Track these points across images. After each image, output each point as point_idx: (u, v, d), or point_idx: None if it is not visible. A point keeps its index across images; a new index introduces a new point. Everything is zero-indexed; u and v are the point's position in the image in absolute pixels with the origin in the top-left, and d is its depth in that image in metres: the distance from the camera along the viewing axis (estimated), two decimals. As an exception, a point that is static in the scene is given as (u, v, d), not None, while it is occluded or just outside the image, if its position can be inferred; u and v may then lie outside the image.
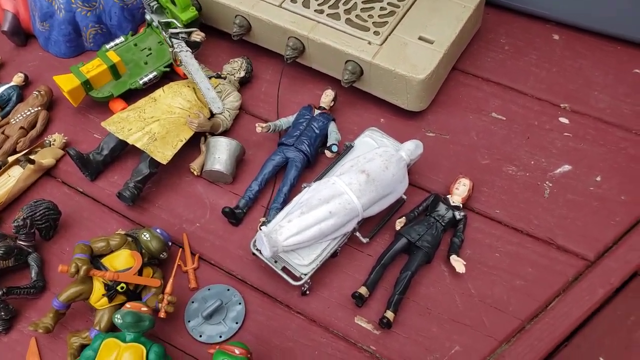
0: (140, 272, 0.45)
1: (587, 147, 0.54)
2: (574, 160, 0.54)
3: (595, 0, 0.57)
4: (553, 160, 0.54)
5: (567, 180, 0.52)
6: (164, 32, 0.54)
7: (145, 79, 0.57)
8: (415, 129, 0.56)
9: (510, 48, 0.62)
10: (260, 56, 0.62)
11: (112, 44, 0.59)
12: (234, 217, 0.50)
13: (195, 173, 0.53)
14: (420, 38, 0.54)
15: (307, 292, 0.47)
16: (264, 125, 0.52)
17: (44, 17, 0.60)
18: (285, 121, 0.54)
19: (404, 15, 0.56)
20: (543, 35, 0.62)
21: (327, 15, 0.56)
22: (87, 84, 0.56)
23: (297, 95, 0.59)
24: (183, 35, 0.54)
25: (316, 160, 0.54)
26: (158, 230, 0.47)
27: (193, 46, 0.54)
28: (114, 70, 0.56)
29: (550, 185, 0.52)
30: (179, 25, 0.54)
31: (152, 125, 0.51)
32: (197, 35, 0.54)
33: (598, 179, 0.52)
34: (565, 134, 0.55)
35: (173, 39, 0.53)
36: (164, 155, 0.50)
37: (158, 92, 0.54)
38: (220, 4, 0.58)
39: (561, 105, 0.57)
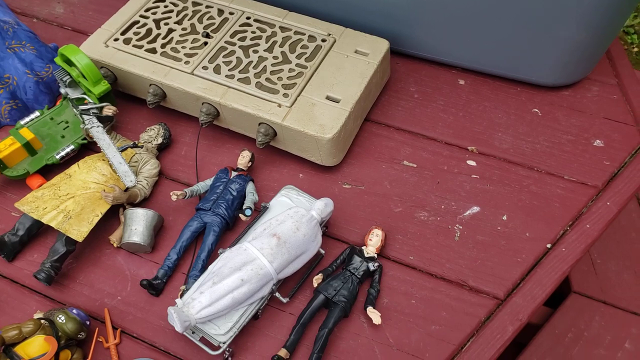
0: (57, 356, 0.45)
1: (493, 187, 0.58)
2: (482, 202, 0.57)
3: (493, 48, 0.61)
4: (462, 203, 0.57)
5: (476, 221, 0.55)
6: (74, 109, 0.55)
7: (62, 153, 0.57)
8: (333, 181, 0.59)
9: (419, 96, 0.65)
10: (179, 120, 0.63)
11: (27, 119, 0.59)
12: (153, 288, 0.50)
13: (115, 245, 0.53)
14: (327, 97, 0.56)
15: (230, 359, 0.48)
16: (179, 192, 0.53)
17: (-44, 96, 0.60)
18: (203, 185, 0.56)
19: (312, 76, 0.58)
20: (450, 81, 0.66)
21: (237, 80, 0.58)
22: (0, 164, 0.56)
23: (216, 157, 0.61)
24: (94, 111, 0.54)
25: (236, 223, 0.55)
26: (74, 311, 0.47)
27: (105, 120, 0.55)
28: (28, 147, 0.57)
29: (461, 227, 0.55)
30: (90, 101, 0.55)
31: (67, 203, 0.51)
32: (109, 110, 0.55)
33: (504, 217, 0.55)
34: (473, 176, 0.58)
35: (84, 115, 0.54)
36: (79, 232, 0.50)
37: (73, 168, 0.54)
38: (133, 74, 0.59)
39: (468, 148, 0.60)
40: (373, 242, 0.52)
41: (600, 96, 0.64)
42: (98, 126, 0.54)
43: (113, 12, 0.65)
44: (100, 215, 0.51)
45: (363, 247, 0.52)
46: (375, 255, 0.52)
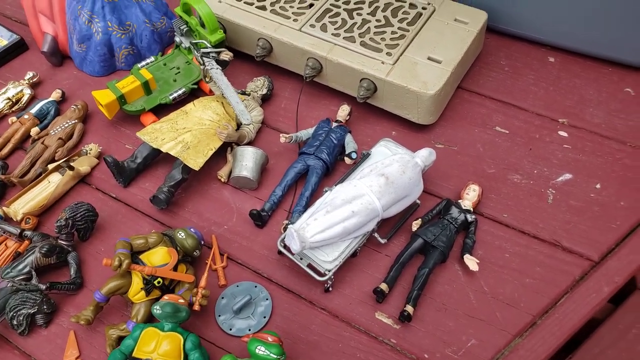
0: (175, 268, 0.48)
1: (585, 158, 0.59)
2: (574, 170, 0.58)
3: (585, 25, 0.63)
4: (555, 169, 0.58)
5: (569, 187, 0.56)
6: (195, 52, 0.59)
7: (175, 95, 0.61)
8: (425, 141, 0.61)
9: (509, 69, 0.67)
10: (280, 76, 0.66)
11: (143, 63, 0.64)
12: (260, 219, 0.53)
13: (222, 180, 0.57)
14: (429, 58, 0.59)
15: (330, 288, 0.50)
16: (287, 136, 0.56)
17: (82, 39, 0.65)
18: (305, 133, 0.59)
19: (413, 38, 0.61)
20: (539, 58, 0.68)
21: (343, 38, 0.61)
22: (122, 99, 0.60)
23: (313, 111, 0.64)
24: (213, 55, 0.58)
25: (334, 169, 0.58)
26: (192, 230, 0.50)
27: (222, 64, 0.59)
28: (146, 86, 0.61)
29: (554, 192, 0.56)
30: (209, 46, 0.59)
31: (185, 135, 0.55)
32: (226, 55, 0.59)
33: (598, 186, 0.56)
34: (565, 145, 0.60)
35: (204, 58, 0.58)
36: (196, 162, 0.53)
37: (189, 106, 0.58)
38: (244, 27, 0.63)
39: (559, 120, 0.62)
40: (470, 197, 0.54)
41: (695, 83, 0.64)
42: (217, 68, 0.58)
43: None
44: (215, 150, 0.55)
45: (459, 201, 0.54)
46: (472, 209, 0.53)
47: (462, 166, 0.58)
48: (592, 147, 0.59)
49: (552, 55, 0.68)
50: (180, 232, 0.49)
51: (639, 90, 0.63)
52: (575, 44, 0.66)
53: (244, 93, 0.61)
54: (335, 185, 0.52)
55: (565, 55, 0.68)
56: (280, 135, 0.56)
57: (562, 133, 0.60)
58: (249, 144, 0.60)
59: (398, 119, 0.61)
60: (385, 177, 0.49)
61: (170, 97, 0.61)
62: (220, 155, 0.58)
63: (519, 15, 0.66)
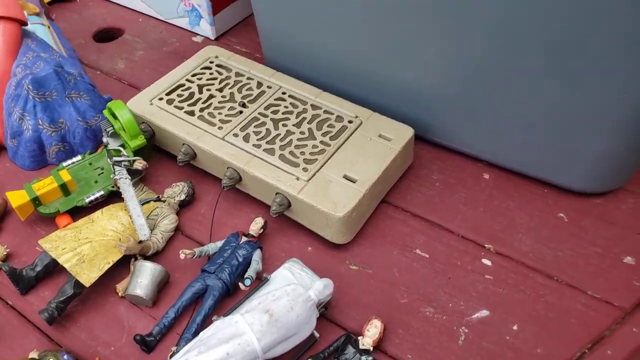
0: (39, 400, 0.46)
1: (507, 292, 0.55)
2: (492, 306, 0.54)
3: (519, 145, 0.60)
4: (472, 304, 0.54)
5: (484, 326, 0.52)
6: (109, 159, 0.59)
7: (92, 198, 0.61)
8: (340, 260, 0.58)
9: (440, 185, 0.64)
10: (205, 179, 0.66)
11: (69, 161, 0.64)
12: (145, 344, 0.50)
13: (119, 294, 0.55)
14: (345, 176, 0.57)
15: None
16: (187, 252, 0.54)
17: (13, 135, 0.66)
18: (213, 247, 0.57)
19: (333, 154, 0.59)
20: (474, 174, 0.65)
21: (263, 150, 0.60)
22: (36, 200, 0.60)
23: (233, 219, 0.62)
24: (126, 163, 0.58)
25: (237, 289, 0.55)
26: (65, 357, 0.48)
27: (134, 173, 0.59)
28: (64, 188, 0.61)
29: (467, 331, 0.52)
30: (125, 154, 0.59)
31: (84, 247, 0.54)
32: (139, 164, 0.58)
33: (515, 327, 0.52)
34: (487, 276, 0.56)
35: (116, 166, 0.58)
36: (89, 277, 0.52)
37: (97, 214, 0.58)
38: (170, 132, 0.63)
39: (485, 245, 0.58)
40: (370, 334, 0.50)
41: (635, 209, 0.60)
42: (126, 178, 0.57)
43: (166, 73, 0.71)
44: (112, 263, 0.53)
45: (359, 337, 0.50)
46: (371, 348, 0.50)
47: (374, 293, 0.55)
48: (515, 279, 0.55)
49: (487, 172, 0.65)
50: (49, 359, 0.47)
51: (572, 216, 0.60)
52: (510, 164, 0.64)
53: (159, 199, 0.60)
54: (224, 315, 0.49)
55: (501, 172, 0.65)
56: (180, 251, 0.54)
57: (486, 261, 0.57)
58: (157, 254, 0.58)
59: (316, 234, 0.59)
60: (269, 314, 0.46)
61: (87, 200, 0.61)
62: (124, 265, 0.57)
63: (448, 130, 0.65)
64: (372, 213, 0.61)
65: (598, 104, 0.51)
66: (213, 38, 0.89)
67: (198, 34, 0.90)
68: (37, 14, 0.80)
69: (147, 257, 0.57)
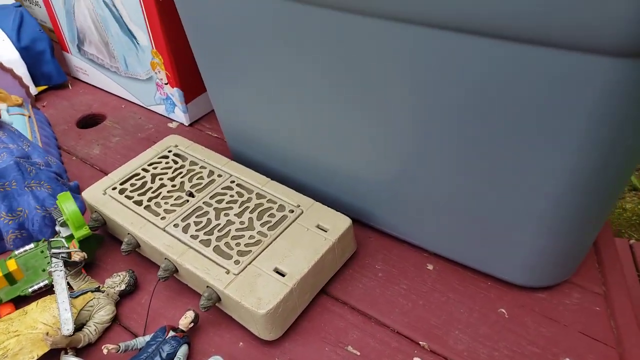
0: None
1: (438, 394, 0.52)
2: (421, 410, 0.51)
3: (459, 238, 0.60)
4: (399, 407, 0.52)
5: None
6: (48, 251, 0.61)
7: (35, 287, 0.62)
8: (269, 357, 0.57)
9: (383, 275, 0.63)
10: (150, 268, 0.67)
11: (21, 249, 0.66)
12: None
13: (44, 389, 0.55)
14: (275, 270, 0.57)
15: None
16: (111, 347, 0.54)
17: (-26, 222, 0.69)
18: (142, 340, 0.56)
19: (268, 245, 0.60)
20: (418, 265, 0.64)
21: (199, 241, 0.61)
22: (-19, 289, 0.62)
23: (171, 310, 0.62)
24: (63, 255, 0.60)
25: (160, 386, 0.54)
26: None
27: (72, 264, 0.60)
28: (9, 277, 0.63)
29: None
30: (65, 245, 0.61)
31: (11, 340, 0.55)
32: (77, 255, 0.60)
33: None
34: (419, 376, 0.54)
35: (53, 258, 0.60)
36: (11, 371, 0.52)
37: (31, 306, 0.59)
38: (116, 222, 0.65)
39: (420, 343, 0.56)
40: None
41: (580, 305, 0.58)
42: (61, 270, 0.59)
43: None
44: (36, 358, 0.54)
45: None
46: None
47: (299, 393, 0.53)
48: (448, 381, 0.53)
49: (432, 263, 0.64)
50: None
51: (514, 312, 0.58)
52: (454, 256, 0.63)
53: (98, 290, 0.61)
54: (134, 417, 0.48)
55: (446, 264, 0.64)
56: (103, 346, 0.54)
57: (419, 360, 0.55)
58: (88, 346, 0.58)
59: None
60: (173, 418, 0.45)
61: (30, 290, 0.62)
62: (56, 357, 0.57)
63: (396, 221, 0.65)
64: (309, 305, 0.60)
65: (523, 205, 0.51)
66: (187, 124, 0.93)
67: (174, 120, 0.95)
68: (20, 105, 0.86)
69: (78, 350, 0.58)
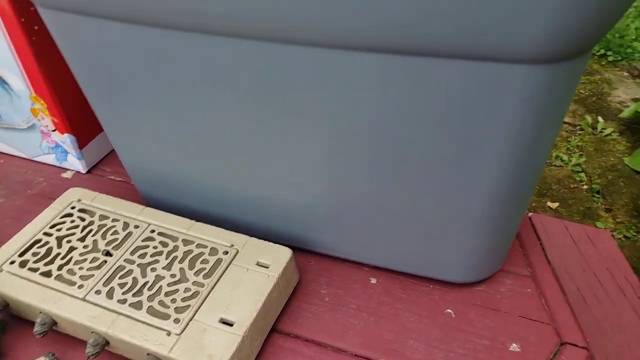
0: None
1: (406, 410, 0.53)
2: None
3: (395, 248, 0.61)
4: None
5: None
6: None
7: None
8: (231, 413, 0.53)
9: (330, 299, 0.63)
10: (74, 343, 0.59)
11: None
12: None
13: None
14: (221, 320, 0.54)
15: None
16: None
17: None
18: None
19: (208, 295, 0.56)
20: (361, 281, 0.64)
21: (129, 304, 0.55)
22: None
23: (109, 387, 0.56)
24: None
25: None
26: None
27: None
28: None
29: None
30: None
31: None
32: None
33: None
34: (384, 396, 0.54)
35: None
36: None
37: None
38: (23, 302, 0.57)
39: (379, 361, 0.57)
40: None
41: (513, 290, 0.62)
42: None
43: (30, 220, 0.65)
44: None
45: None
46: None
47: None
48: (413, 394, 0.53)
49: (374, 276, 0.65)
50: None
51: (459, 310, 0.60)
52: (394, 266, 0.63)
53: (14, 385, 0.53)
54: None
55: (388, 275, 0.65)
56: None
57: (382, 379, 0.55)
58: None
59: (202, 385, 0.54)
60: None
61: None
62: None
63: (333, 242, 0.64)
64: (261, 348, 0.57)
65: (455, 211, 0.53)
66: (85, 171, 0.85)
67: (68, 169, 0.86)
68: None
69: None
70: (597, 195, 2.47)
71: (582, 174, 2.62)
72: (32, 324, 0.59)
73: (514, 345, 0.56)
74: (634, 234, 2.21)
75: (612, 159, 2.73)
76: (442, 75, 0.40)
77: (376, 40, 0.39)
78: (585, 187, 2.55)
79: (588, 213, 2.36)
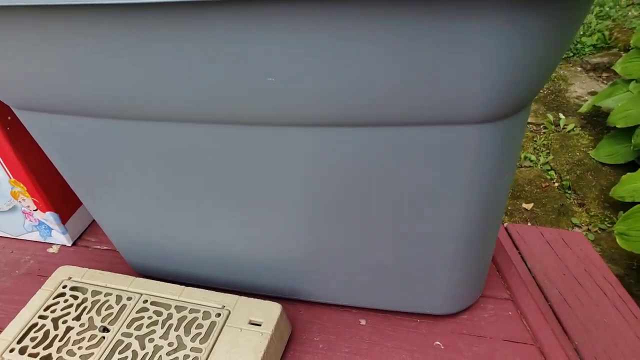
0: None
1: None
2: None
3: (381, 289, 0.64)
4: None
5: None
6: None
7: None
8: None
9: (324, 346, 0.65)
10: None
11: None
12: None
13: None
14: (222, 384, 0.56)
15: None
16: None
17: None
18: None
19: (206, 360, 0.58)
20: (351, 323, 0.67)
21: (131, 379, 0.57)
22: None
23: None
24: None
25: None
26: None
27: None
28: None
29: None
30: None
31: None
32: None
33: None
34: None
35: None
36: None
37: None
38: (26, 390, 0.58)
39: (378, 403, 0.59)
40: None
41: (496, 315, 0.65)
42: None
43: (23, 301, 0.66)
44: None
45: None
46: None
47: None
48: None
49: (363, 318, 0.68)
50: None
51: (447, 341, 0.63)
52: (380, 305, 0.67)
53: None
54: None
55: (376, 314, 0.68)
56: None
57: (383, 419, 0.57)
58: None
59: None
60: None
61: None
62: None
63: (320, 289, 0.67)
64: (263, 403, 0.59)
65: (427, 249, 0.56)
66: (70, 244, 0.86)
67: (53, 244, 0.87)
68: None
69: None
70: (569, 191, 2.56)
71: (552, 172, 2.71)
72: (36, 410, 0.60)
73: (502, 370, 0.59)
74: (608, 225, 2.29)
75: (577, 153, 2.84)
76: (399, 141, 0.44)
77: (338, 116, 0.43)
78: (556, 184, 2.65)
79: (562, 210, 2.45)
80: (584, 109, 3.00)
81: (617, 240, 1.84)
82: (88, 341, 0.62)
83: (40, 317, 0.65)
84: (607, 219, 2.33)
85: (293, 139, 0.46)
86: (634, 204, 2.04)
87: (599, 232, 2.28)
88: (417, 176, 0.47)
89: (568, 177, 2.64)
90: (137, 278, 0.69)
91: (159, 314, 0.64)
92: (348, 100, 0.41)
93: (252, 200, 0.56)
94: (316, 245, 0.60)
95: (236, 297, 0.64)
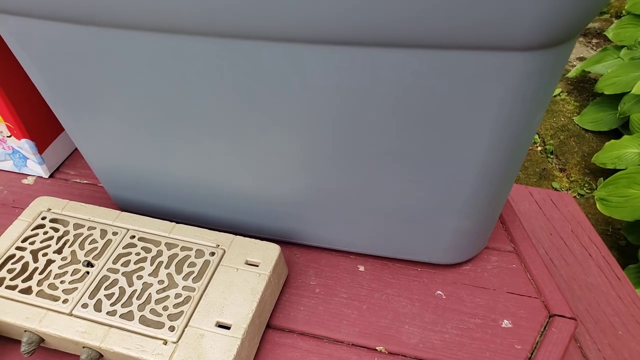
0: None
1: (407, 393, 0.54)
2: (397, 413, 0.53)
3: (383, 235, 0.61)
4: (377, 418, 0.52)
5: None
6: None
7: None
8: (235, 415, 0.53)
9: (320, 290, 0.63)
10: (66, 358, 0.57)
11: None
12: None
13: None
14: (218, 324, 0.53)
15: None
16: None
17: None
18: None
19: (200, 299, 0.55)
20: (350, 269, 0.65)
21: (120, 316, 0.53)
22: None
23: (104, 402, 0.54)
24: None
25: None
26: None
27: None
28: None
29: None
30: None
31: None
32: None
33: None
34: (385, 381, 0.55)
35: None
36: None
37: None
38: (5, 323, 0.54)
39: (377, 348, 0.57)
40: None
41: (500, 267, 0.64)
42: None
43: (0, 232, 0.61)
44: None
45: None
46: None
47: None
48: (413, 377, 0.55)
49: (361, 264, 0.65)
50: None
51: (449, 291, 0.62)
52: (381, 252, 0.64)
53: (4, 412, 0.51)
54: None
55: (375, 261, 0.65)
56: None
57: (381, 365, 0.56)
58: None
59: (203, 390, 0.53)
60: None
61: None
62: None
63: (318, 233, 0.64)
64: (258, 345, 0.57)
65: (439, 193, 0.53)
66: (47, 176, 0.80)
67: (28, 175, 0.81)
68: None
69: None
70: (551, 156, 2.58)
71: (536, 136, 2.72)
72: (19, 342, 0.57)
73: (505, 321, 0.58)
74: (587, 191, 2.33)
75: (562, 119, 2.85)
76: (434, 66, 0.40)
77: (367, 34, 0.38)
78: (539, 148, 2.66)
79: (544, 174, 2.47)
80: (572, 74, 2.98)
81: (597, 205, 1.86)
82: (71, 275, 0.57)
83: (18, 248, 0.60)
84: (586, 185, 2.36)
85: (314, 57, 0.41)
86: (615, 170, 2.06)
87: (578, 197, 2.31)
88: (447, 108, 0.42)
89: (551, 141, 2.65)
90: (123, 212, 0.64)
91: (147, 250, 0.60)
92: (385, 12, 0.36)
93: (252, 128, 0.51)
94: (318, 183, 0.56)
95: (231, 236, 0.61)
